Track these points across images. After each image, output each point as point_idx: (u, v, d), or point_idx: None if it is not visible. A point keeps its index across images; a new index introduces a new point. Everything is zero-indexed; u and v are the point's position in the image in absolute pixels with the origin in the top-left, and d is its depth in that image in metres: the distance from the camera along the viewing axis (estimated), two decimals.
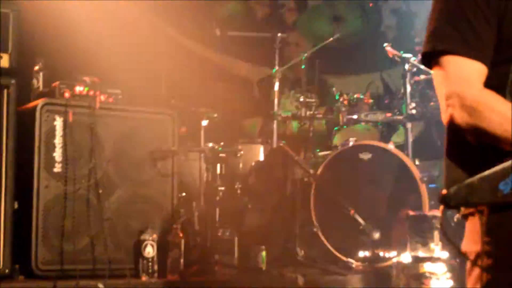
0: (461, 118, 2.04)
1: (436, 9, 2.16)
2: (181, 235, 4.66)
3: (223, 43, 6.05)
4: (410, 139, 5.26)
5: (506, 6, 2.09)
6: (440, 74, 2.10)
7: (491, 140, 2.02)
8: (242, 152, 5.29)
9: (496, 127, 1.99)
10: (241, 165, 5.28)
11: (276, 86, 5.42)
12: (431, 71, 2.15)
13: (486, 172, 1.96)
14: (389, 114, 5.39)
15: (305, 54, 5.67)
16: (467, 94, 2.04)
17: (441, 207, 2.00)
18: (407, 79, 5.28)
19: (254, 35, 5.98)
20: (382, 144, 5.09)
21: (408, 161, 4.98)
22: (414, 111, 5.27)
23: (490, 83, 2.07)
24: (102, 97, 4.82)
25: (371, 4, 6.16)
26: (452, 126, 2.09)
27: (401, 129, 5.51)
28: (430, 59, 2.13)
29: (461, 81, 2.06)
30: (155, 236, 4.58)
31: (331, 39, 5.68)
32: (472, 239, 2.10)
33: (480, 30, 2.08)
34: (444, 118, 2.09)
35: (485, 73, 2.08)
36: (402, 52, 5.32)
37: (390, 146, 5.05)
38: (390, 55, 5.34)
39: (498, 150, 2.01)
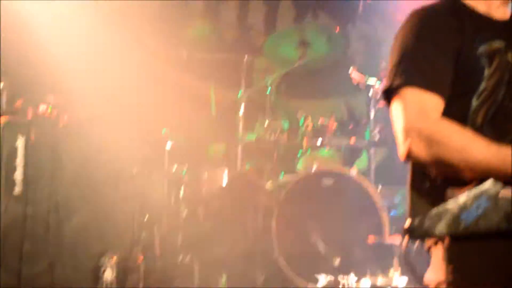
0: (419, 150, 2.08)
1: (396, 46, 2.24)
2: (141, 259, 4.69)
3: (190, 64, 6.10)
4: (373, 165, 5.36)
5: (462, 41, 2.18)
6: (397, 107, 2.16)
7: (450, 170, 2.07)
8: (206, 175, 5.35)
9: (454, 156, 2.04)
10: (205, 189, 5.32)
11: (242, 109, 5.50)
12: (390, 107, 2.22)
13: (448, 204, 2.03)
14: (352, 140, 5.48)
15: (271, 78, 5.74)
16: (424, 126, 2.09)
17: (406, 238, 2.08)
18: (371, 105, 5.38)
19: (221, 56, 6.03)
20: (344, 170, 5.17)
21: (370, 187, 5.06)
22: (377, 137, 5.37)
23: (452, 115, 2.13)
24: (66, 117, 4.84)
25: (338, 29, 6.26)
26: (411, 159, 2.14)
27: (365, 154, 5.59)
28: (390, 93, 2.21)
29: (418, 113, 2.11)
30: (114, 259, 4.60)
31: (297, 64, 5.76)
32: (435, 268, 2.15)
33: (438, 64, 2.16)
34: (402, 152, 2.14)
35: (442, 105, 2.15)
36: (367, 77, 5.43)
37: (353, 172, 5.13)
38: (355, 82, 5.45)
39: (460, 179, 2.06)
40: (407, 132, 2.10)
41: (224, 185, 5.37)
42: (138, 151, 5.22)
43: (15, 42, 5.36)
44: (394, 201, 5.12)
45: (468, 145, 2.04)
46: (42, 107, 4.84)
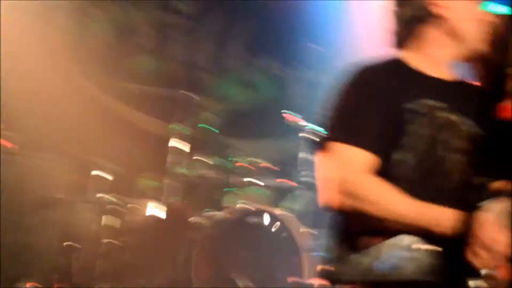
0: (339, 200, 2.15)
1: (337, 101, 2.31)
2: (58, 286, 4.65)
3: (128, 95, 6.13)
4: (299, 207, 5.41)
5: (394, 100, 2.26)
6: (324, 157, 2.24)
7: (368, 221, 2.14)
8: (131, 205, 5.35)
9: (372, 208, 2.12)
10: (128, 219, 5.31)
11: (173, 143, 5.53)
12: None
13: (362, 252, 2.13)
14: (281, 180, 5.54)
15: (210, 114, 5.80)
16: (347, 178, 2.16)
17: (322, 281, 2.18)
18: (302, 147, 5.46)
19: (160, 90, 6.07)
20: (270, 209, 5.21)
21: (294, 227, 5.11)
22: (305, 179, 5.44)
23: (377, 169, 2.21)
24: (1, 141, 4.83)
25: (277, 72, 6.37)
26: (331, 208, 2.20)
27: (291, 195, 5.65)
28: (321, 144, 2.28)
29: (345, 167, 2.18)
30: (31, 285, 4.56)
31: (237, 104, 5.83)
32: None
33: (370, 123, 2.23)
34: (322, 199, 2.21)
35: (372, 160, 2.21)
36: (300, 118, 5.51)
37: (278, 212, 5.17)
38: (287, 122, 5.53)
39: (377, 229, 2.14)
40: (331, 183, 2.18)
41: (148, 216, 5.37)
42: (66, 177, 5.21)
43: None
44: (318, 242, 5.16)
45: (386, 199, 2.12)
46: None
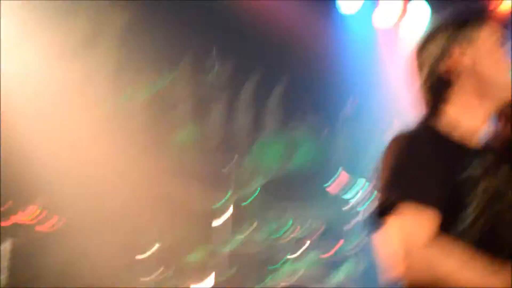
0: (414, 272, 2.05)
1: (384, 168, 2.23)
2: None
3: (175, 173, 6.14)
4: (350, 277, 5.33)
5: (446, 167, 2.18)
6: (394, 222, 2.11)
7: None
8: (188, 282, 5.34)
9: (452, 278, 2.02)
10: None
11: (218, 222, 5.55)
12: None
13: None
14: (330, 252, 5.48)
15: (255, 184, 5.79)
16: (413, 251, 2.05)
17: None
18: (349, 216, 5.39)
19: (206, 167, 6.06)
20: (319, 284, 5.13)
21: None
22: (355, 250, 5.36)
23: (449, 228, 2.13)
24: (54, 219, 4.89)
25: (325, 131, 6.34)
26: (406, 280, 2.09)
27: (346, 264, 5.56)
28: (384, 211, 2.15)
29: (409, 236, 2.07)
30: None
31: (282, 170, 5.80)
32: None
33: (428, 181, 2.15)
34: (394, 273, 2.09)
35: (437, 220, 2.11)
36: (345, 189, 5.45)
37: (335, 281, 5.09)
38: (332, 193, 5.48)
39: None
40: (397, 257, 2.07)
41: None
42: (119, 260, 5.24)
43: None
44: None
45: (465, 267, 2.04)
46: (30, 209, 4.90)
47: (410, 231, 2.07)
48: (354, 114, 6.38)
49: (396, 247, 2.08)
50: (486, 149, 2.33)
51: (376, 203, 2.20)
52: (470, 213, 2.15)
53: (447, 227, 2.14)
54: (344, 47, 6.67)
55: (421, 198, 2.11)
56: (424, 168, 2.18)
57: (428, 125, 2.36)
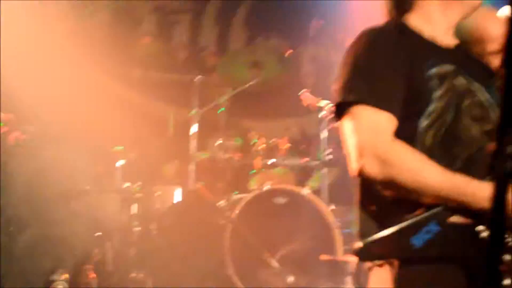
0: (373, 169, 2.07)
1: (347, 62, 2.23)
2: (93, 275, 4.69)
3: (142, 83, 6.15)
4: (326, 184, 5.47)
5: (412, 63, 2.20)
6: (350, 124, 2.14)
7: (403, 192, 2.07)
8: (159, 192, 5.40)
9: (408, 178, 2.04)
10: (158, 206, 5.36)
11: (195, 128, 5.58)
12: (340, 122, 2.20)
13: (398, 226, 2.02)
14: (305, 159, 5.59)
15: (224, 98, 5.83)
16: (378, 145, 2.07)
17: (356, 258, 2.09)
18: (323, 126, 5.50)
19: (174, 76, 6.10)
20: (297, 189, 5.27)
21: (322, 206, 5.17)
22: (330, 157, 5.49)
23: (401, 136, 2.13)
24: (16, 134, 4.84)
25: (290, 51, 6.39)
26: (364, 177, 2.12)
27: (318, 174, 5.70)
28: (341, 110, 2.18)
29: (373, 131, 2.10)
30: (66, 276, 4.59)
31: (249, 84, 5.86)
32: None
33: (390, 83, 2.16)
34: (353, 169, 2.13)
35: (395, 124, 2.14)
36: (318, 99, 5.54)
37: (305, 191, 5.22)
38: (305, 104, 5.57)
39: (411, 202, 2.06)
40: (361, 150, 2.10)
41: (176, 202, 5.40)
42: (90, 169, 5.23)
43: None
44: (347, 219, 5.21)
45: (422, 169, 2.06)
46: None
47: (364, 133, 2.11)
48: (318, 34, 6.45)
49: (352, 147, 2.12)
50: (457, 48, 2.35)
51: (334, 101, 2.22)
52: (435, 109, 2.17)
53: (412, 122, 2.16)
54: None
55: (378, 102, 2.13)
56: (388, 64, 2.18)
57: (399, 21, 2.37)
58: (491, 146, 2.07)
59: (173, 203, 5.48)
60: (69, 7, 6.43)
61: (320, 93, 5.63)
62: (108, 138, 5.57)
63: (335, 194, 5.44)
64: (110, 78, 6.32)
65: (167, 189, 5.51)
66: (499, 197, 1.15)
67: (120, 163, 5.28)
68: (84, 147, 5.18)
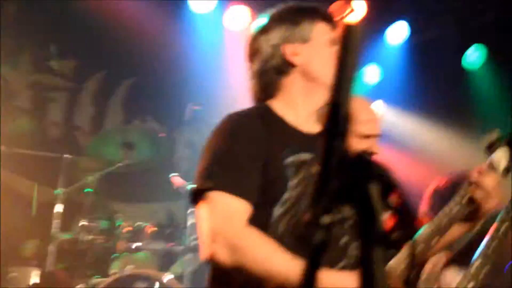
0: (223, 255, 2.10)
1: (208, 149, 2.29)
2: None
3: (8, 159, 5.98)
4: (189, 270, 5.40)
5: (270, 150, 2.26)
6: (204, 209, 2.18)
7: (250, 278, 2.08)
8: (14, 274, 5.18)
9: (256, 265, 2.08)
10: None
11: (59, 208, 5.43)
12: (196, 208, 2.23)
13: None
14: (171, 244, 5.52)
15: (91, 178, 5.73)
16: (229, 231, 2.12)
17: None
18: (191, 211, 5.47)
19: (42, 154, 5.95)
20: (157, 274, 5.15)
21: None
22: (195, 242, 5.44)
23: (255, 223, 2.17)
24: None
25: (162, 135, 6.40)
26: (214, 262, 2.15)
27: (181, 260, 5.63)
28: (198, 195, 2.21)
29: (225, 217, 2.14)
30: None
31: (118, 165, 5.78)
32: None
33: (247, 171, 2.21)
34: (205, 254, 2.15)
35: (249, 211, 2.19)
36: (188, 183, 5.53)
37: (166, 277, 5.11)
38: (175, 186, 5.55)
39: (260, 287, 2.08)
40: (212, 235, 2.12)
41: (32, 285, 5.19)
42: None
43: None
44: None
45: (270, 256, 2.08)
46: None
47: (217, 219, 2.15)
48: (193, 119, 6.49)
49: (205, 232, 2.17)
50: (318, 136, 2.38)
51: (192, 187, 2.28)
52: (290, 197, 2.22)
53: (267, 209, 2.21)
54: (192, 48, 6.75)
55: (233, 189, 2.18)
56: (245, 152, 2.24)
57: (263, 106, 2.46)
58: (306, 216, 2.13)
59: (30, 285, 5.26)
60: None
61: (191, 177, 5.61)
62: None
63: (198, 281, 5.38)
64: None
65: (23, 270, 5.29)
66: (310, 267, 1.15)
67: None
68: None
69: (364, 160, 1.15)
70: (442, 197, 3.05)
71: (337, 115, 1.12)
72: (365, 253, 1.16)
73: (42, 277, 5.30)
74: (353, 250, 2.25)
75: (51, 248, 5.36)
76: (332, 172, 1.13)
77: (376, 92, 6.92)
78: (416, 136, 7.17)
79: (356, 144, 2.42)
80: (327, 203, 1.14)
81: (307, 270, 1.19)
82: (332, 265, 2.17)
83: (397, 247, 2.22)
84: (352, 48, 1.14)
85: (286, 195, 2.22)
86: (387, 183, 1.17)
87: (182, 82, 6.86)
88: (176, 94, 6.80)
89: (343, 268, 2.20)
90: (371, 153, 2.43)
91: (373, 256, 1.15)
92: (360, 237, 1.16)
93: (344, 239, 2.24)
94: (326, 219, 1.14)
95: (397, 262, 2.28)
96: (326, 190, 1.14)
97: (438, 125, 7.09)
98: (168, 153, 6.45)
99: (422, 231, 2.47)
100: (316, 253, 1.18)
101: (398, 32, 7.07)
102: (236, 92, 6.08)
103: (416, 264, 2.81)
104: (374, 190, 1.15)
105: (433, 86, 6.95)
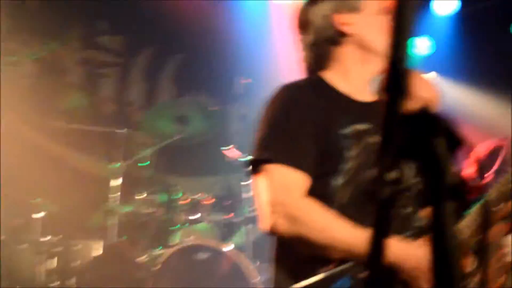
0: (283, 226, 2.14)
1: (265, 120, 2.31)
2: None
3: (66, 135, 6.08)
4: (251, 241, 5.46)
5: (327, 121, 2.27)
6: (263, 181, 2.21)
7: (312, 248, 2.12)
8: (79, 246, 5.30)
9: (316, 235, 2.10)
10: (78, 261, 5.24)
11: (117, 182, 5.52)
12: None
13: (310, 281, 2.07)
14: (230, 215, 5.59)
15: (148, 151, 5.81)
16: (288, 203, 2.14)
17: None
18: (245, 183, 5.52)
19: (98, 129, 6.05)
20: (218, 245, 5.23)
21: (244, 263, 5.13)
22: (254, 213, 5.49)
23: (316, 193, 2.20)
24: None
25: (216, 108, 6.45)
26: (275, 233, 2.19)
27: (242, 230, 5.69)
28: (255, 167, 2.25)
29: (284, 189, 2.16)
30: None
31: (173, 138, 5.84)
32: None
33: (304, 142, 2.23)
34: (265, 225, 2.19)
35: (308, 183, 2.21)
36: (243, 155, 5.58)
37: (227, 248, 5.18)
38: (231, 158, 5.60)
39: (324, 257, 2.12)
40: (272, 207, 2.16)
41: (96, 256, 5.30)
42: (8, 219, 5.11)
43: None
44: (266, 277, 5.19)
45: (330, 226, 2.11)
46: None
47: (276, 191, 2.17)
48: (244, 92, 6.53)
49: (263, 203, 2.20)
50: (374, 104, 2.41)
51: (249, 158, 2.31)
52: (349, 168, 2.23)
53: (326, 180, 2.23)
54: (238, 24, 6.79)
55: (291, 161, 2.20)
56: (302, 123, 2.25)
57: (317, 76, 2.47)
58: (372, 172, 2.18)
59: (93, 258, 5.37)
60: None
61: (246, 150, 5.66)
62: (25, 190, 5.47)
63: (260, 251, 5.44)
64: (33, 130, 6.22)
65: (87, 243, 5.41)
66: (378, 224, 1.17)
67: (39, 215, 5.16)
68: (2, 198, 5.07)
69: (429, 115, 1.15)
70: (488, 161, 3.03)
71: (397, 75, 1.11)
72: (435, 210, 1.13)
73: (105, 249, 5.41)
74: (417, 220, 2.26)
75: (113, 221, 5.46)
76: (397, 128, 1.11)
77: (428, 64, 6.89)
78: (467, 105, 7.14)
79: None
80: (393, 159, 1.12)
81: (374, 234, 1.18)
82: (397, 234, 2.18)
83: (467, 202, 2.25)
84: (406, 15, 1.11)
85: (346, 166, 2.24)
86: (454, 137, 1.18)
87: (231, 56, 6.90)
88: (226, 68, 6.84)
89: (408, 238, 2.21)
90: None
91: (443, 211, 1.13)
92: (429, 192, 1.14)
93: (408, 209, 2.26)
94: (392, 174, 1.11)
95: (467, 224, 2.27)
96: (391, 146, 1.11)
97: (489, 94, 7.06)
98: (221, 126, 6.50)
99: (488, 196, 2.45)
100: (384, 210, 1.15)
101: (448, 3, 7.08)
102: (283, 65, 6.14)
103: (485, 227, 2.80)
104: (440, 143, 1.13)
105: (483, 56, 6.91)
